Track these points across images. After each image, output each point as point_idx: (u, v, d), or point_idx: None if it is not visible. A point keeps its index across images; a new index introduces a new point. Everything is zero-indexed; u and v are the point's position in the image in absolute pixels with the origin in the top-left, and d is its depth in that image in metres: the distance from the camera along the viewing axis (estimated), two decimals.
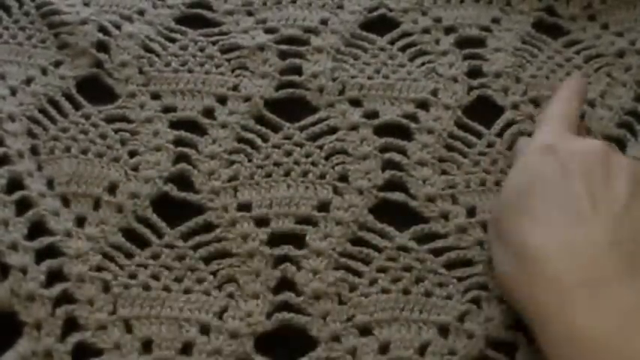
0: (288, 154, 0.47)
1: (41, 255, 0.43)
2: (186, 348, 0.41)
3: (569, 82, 0.46)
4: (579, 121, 0.45)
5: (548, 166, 0.39)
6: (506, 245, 0.38)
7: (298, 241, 0.44)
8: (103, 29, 0.52)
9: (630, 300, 0.34)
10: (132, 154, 0.47)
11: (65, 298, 0.42)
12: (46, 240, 0.43)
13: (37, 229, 0.44)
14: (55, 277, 0.42)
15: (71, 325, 0.41)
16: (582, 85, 0.46)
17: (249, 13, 0.54)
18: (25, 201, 0.45)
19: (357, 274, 0.43)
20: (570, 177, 0.38)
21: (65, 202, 0.45)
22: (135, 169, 0.46)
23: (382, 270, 0.43)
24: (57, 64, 0.51)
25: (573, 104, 0.44)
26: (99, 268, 0.43)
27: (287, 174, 0.46)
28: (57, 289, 0.42)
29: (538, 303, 0.35)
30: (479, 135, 0.48)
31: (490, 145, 0.48)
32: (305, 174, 0.46)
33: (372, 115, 0.49)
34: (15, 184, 0.45)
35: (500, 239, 0.39)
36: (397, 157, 0.47)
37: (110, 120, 0.48)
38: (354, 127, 0.48)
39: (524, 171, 0.40)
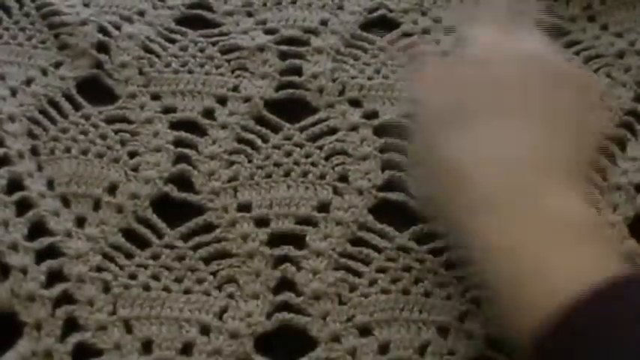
0: (288, 154, 0.47)
1: (41, 255, 0.43)
2: (187, 348, 0.41)
3: None
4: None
5: (482, 79, 0.39)
6: (436, 162, 0.38)
7: (298, 241, 0.44)
8: (103, 30, 0.52)
9: (556, 211, 0.34)
10: (132, 154, 0.47)
11: (65, 299, 0.42)
12: (46, 240, 0.43)
13: (37, 230, 0.44)
14: (55, 277, 0.42)
15: (71, 325, 0.41)
16: None
17: (249, 14, 0.54)
18: (25, 201, 0.45)
19: (357, 274, 0.43)
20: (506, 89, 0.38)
21: (65, 202, 0.45)
22: (135, 169, 0.46)
23: (382, 270, 0.43)
24: (57, 64, 0.51)
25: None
26: (99, 269, 0.43)
27: (287, 174, 0.46)
28: (57, 289, 0.42)
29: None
30: None
31: None
32: (305, 174, 0.46)
33: (372, 115, 0.49)
34: (15, 184, 0.45)
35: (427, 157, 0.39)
36: (397, 157, 0.47)
37: (110, 121, 0.48)
38: (354, 128, 0.48)
39: (455, 80, 0.40)
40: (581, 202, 0.35)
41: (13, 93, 0.50)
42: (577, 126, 0.38)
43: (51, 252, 0.43)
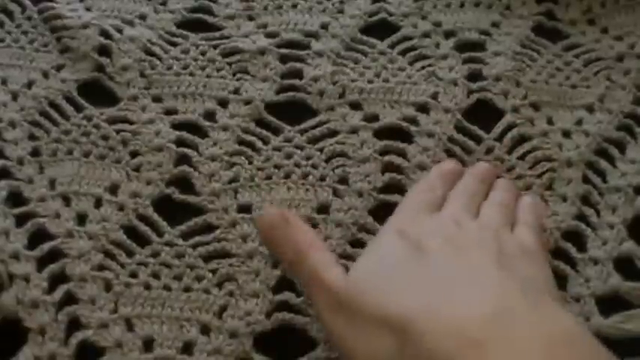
0: (289, 156, 0.47)
1: (43, 260, 0.43)
2: (187, 347, 0.41)
3: (437, 167, 0.46)
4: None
5: (400, 250, 0.38)
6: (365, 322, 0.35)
7: None
8: (104, 33, 0.52)
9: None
10: (133, 154, 0.47)
11: (68, 300, 0.42)
12: (46, 246, 0.44)
13: (38, 236, 0.44)
14: (57, 279, 0.43)
15: (74, 326, 0.41)
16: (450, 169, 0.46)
17: (250, 18, 0.54)
18: (26, 211, 0.45)
19: None
20: (424, 254, 0.37)
21: (66, 201, 0.45)
22: (136, 169, 0.46)
23: None
24: (59, 67, 0.51)
25: (437, 192, 0.43)
26: (100, 267, 0.43)
27: (287, 176, 0.47)
28: (59, 292, 0.42)
29: None
30: (479, 138, 0.48)
31: (490, 148, 0.48)
32: (305, 176, 0.47)
33: (372, 118, 0.49)
34: (16, 195, 0.46)
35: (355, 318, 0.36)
36: (397, 160, 0.47)
37: (112, 122, 0.49)
38: (354, 131, 0.48)
39: (377, 253, 0.39)
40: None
41: (14, 97, 0.50)
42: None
43: (53, 253, 0.43)
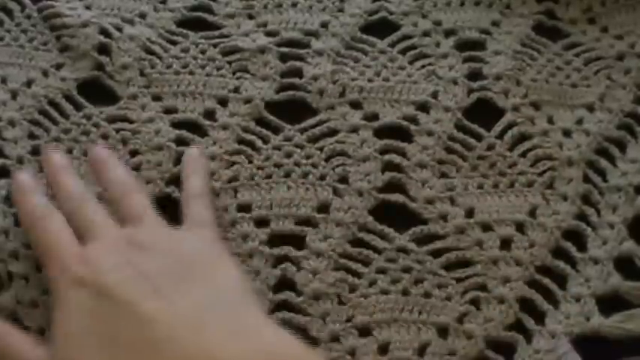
0: (289, 155, 0.47)
1: None
2: None
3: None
4: None
5: (84, 304, 0.35)
6: None
7: (298, 241, 0.44)
8: (104, 32, 0.52)
9: None
10: (133, 153, 0.47)
11: None
12: None
13: None
14: None
15: None
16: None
17: (250, 16, 0.54)
18: None
19: (357, 275, 0.43)
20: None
21: None
22: (136, 168, 0.46)
23: (382, 271, 0.43)
24: (58, 66, 0.51)
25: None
26: None
27: (287, 175, 0.47)
28: None
29: None
30: (479, 137, 0.48)
31: (490, 147, 0.48)
32: (305, 175, 0.46)
33: (372, 117, 0.49)
34: None
35: None
36: (397, 159, 0.47)
37: (111, 120, 0.48)
38: (354, 130, 0.48)
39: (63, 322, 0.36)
40: None
41: (14, 95, 0.50)
42: None
43: None
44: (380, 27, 0.54)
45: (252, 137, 0.48)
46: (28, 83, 0.50)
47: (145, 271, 0.35)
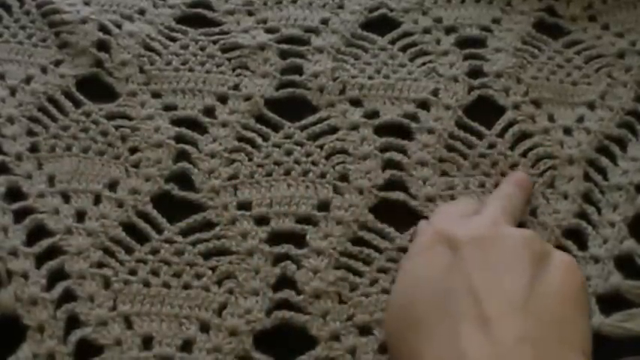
0: (289, 153, 0.47)
1: (42, 257, 0.43)
2: (187, 345, 0.41)
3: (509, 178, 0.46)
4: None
5: (437, 258, 0.38)
6: None
7: (298, 240, 0.44)
8: (103, 28, 0.52)
9: None
10: (132, 150, 0.47)
11: (66, 297, 0.42)
12: (45, 243, 0.43)
13: (37, 232, 0.44)
14: (56, 276, 0.42)
15: (73, 323, 0.41)
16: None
17: (250, 13, 0.54)
18: (24, 207, 0.45)
19: (358, 273, 0.43)
20: (461, 271, 0.36)
21: (65, 198, 0.45)
22: (136, 165, 0.46)
23: (383, 270, 0.43)
24: (57, 63, 0.51)
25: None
26: (99, 264, 0.43)
27: (287, 173, 0.46)
28: (58, 290, 0.42)
29: None
30: (479, 135, 0.48)
31: (491, 145, 0.48)
32: (305, 173, 0.46)
33: (373, 114, 0.49)
34: (14, 190, 0.45)
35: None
36: (397, 156, 0.47)
37: (111, 117, 0.48)
38: (354, 127, 0.48)
39: (411, 271, 0.39)
40: None
41: (13, 92, 0.49)
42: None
43: (51, 252, 0.43)
44: (380, 24, 0.54)
45: (252, 135, 0.48)
46: (27, 80, 0.50)
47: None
